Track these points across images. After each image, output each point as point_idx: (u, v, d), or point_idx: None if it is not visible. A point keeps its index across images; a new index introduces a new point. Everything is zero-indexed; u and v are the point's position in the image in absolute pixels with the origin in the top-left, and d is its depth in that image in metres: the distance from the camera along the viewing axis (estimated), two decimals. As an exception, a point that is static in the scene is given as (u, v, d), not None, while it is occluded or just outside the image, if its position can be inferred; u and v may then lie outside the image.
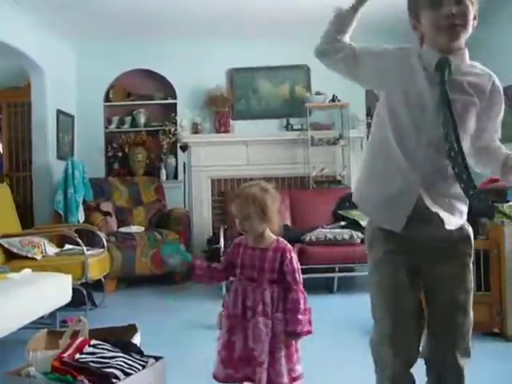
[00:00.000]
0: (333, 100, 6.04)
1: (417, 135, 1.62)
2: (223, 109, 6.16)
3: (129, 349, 2.12)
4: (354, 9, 1.74)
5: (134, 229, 5.50)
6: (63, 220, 5.31)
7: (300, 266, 2.10)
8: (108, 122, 6.46)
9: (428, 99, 1.62)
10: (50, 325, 3.52)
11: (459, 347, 1.66)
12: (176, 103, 6.37)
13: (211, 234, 5.90)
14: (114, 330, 2.71)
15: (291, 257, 2.05)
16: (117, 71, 6.39)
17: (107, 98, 6.46)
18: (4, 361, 2.95)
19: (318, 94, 6.11)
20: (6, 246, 4.07)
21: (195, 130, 6.23)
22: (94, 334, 2.52)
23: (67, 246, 4.46)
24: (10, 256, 4.10)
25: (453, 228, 1.65)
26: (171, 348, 3.27)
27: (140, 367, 2.05)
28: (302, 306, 2.02)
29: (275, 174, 5.84)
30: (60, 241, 4.74)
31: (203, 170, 6.15)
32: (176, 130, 6.22)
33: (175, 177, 6.33)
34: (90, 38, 6.16)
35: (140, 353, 2.14)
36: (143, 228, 5.57)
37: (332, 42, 1.75)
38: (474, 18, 1.65)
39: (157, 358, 2.17)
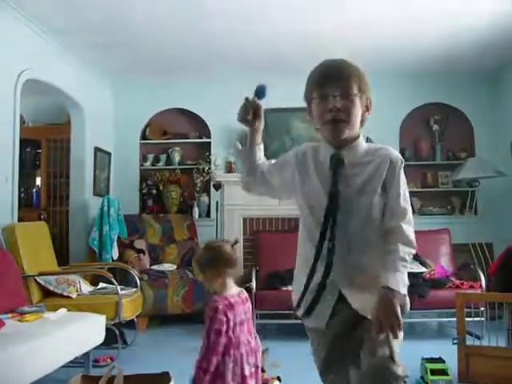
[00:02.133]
0: (366, 141, 6.03)
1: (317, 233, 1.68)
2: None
3: (164, 401, 2.11)
4: (252, 144, 1.87)
5: (167, 267, 5.54)
6: (97, 257, 5.38)
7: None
8: (143, 159, 6.59)
9: (321, 198, 1.68)
10: (83, 363, 3.56)
11: None
12: (210, 142, 6.47)
13: (242, 273, 5.88)
14: (149, 377, 2.71)
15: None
16: (153, 110, 6.54)
17: (143, 136, 6.60)
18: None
19: (350, 134, 6.12)
20: (43, 283, 4.14)
21: (229, 168, 6.29)
22: (129, 381, 2.54)
23: (101, 285, 4.51)
24: (46, 293, 4.17)
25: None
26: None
27: (175, 421, 2.04)
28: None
29: (307, 214, 5.83)
30: (94, 278, 4.80)
31: (236, 209, 6.17)
32: (210, 168, 6.30)
33: (208, 215, 6.38)
34: (128, 77, 6.35)
35: (174, 405, 2.13)
36: (175, 266, 5.60)
37: (248, 180, 1.91)
38: (367, 110, 1.70)
39: (191, 412, 2.15)
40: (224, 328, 2.09)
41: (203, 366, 2.07)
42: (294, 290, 1.84)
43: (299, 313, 1.79)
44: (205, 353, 2.09)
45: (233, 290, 2.23)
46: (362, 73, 1.69)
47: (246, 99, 1.81)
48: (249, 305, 2.27)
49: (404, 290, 1.59)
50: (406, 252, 1.63)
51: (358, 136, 1.71)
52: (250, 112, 1.80)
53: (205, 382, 2.06)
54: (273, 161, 1.90)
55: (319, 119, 1.68)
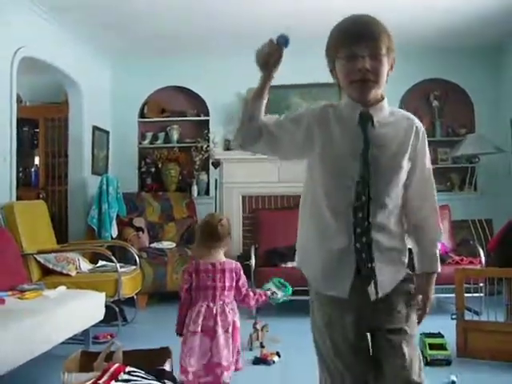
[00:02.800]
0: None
1: (343, 199, 1.61)
2: (255, 126, 6.17)
3: (163, 376, 2.13)
4: (260, 94, 1.70)
5: (166, 244, 5.55)
6: (96, 235, 5.38)
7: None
8: (142, 137, 6.56)
9: (349, 160, 1.60)
10: (83, 341, 3.58)
11: None
12: (209, 120, 6.43)
13: (241, 251, 5.90)
14: (148, 352, 2.73)
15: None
16: (151, 88, 6.49)
17: (142, 114, 6.56)
18: (39, 378, 3.02)
19: (351, 112, 6.08)
20: (42, 261, 4.15)
21: (227, 146, 6.26)
22: (128, 356, 2.55)
23: (100, 263, 4.52)
24: (45, 271, 4.18)
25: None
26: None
27: (174, 395, 2.06)
28: None
29: (306, 191, 5.82)
30: (94, 256, 4.80)
31: (235, 187, 6.16)
32: (208, 146, 6.27)
33: (207, 193, 6.37)
34: (126, 55, 6.29)
35: (173, 380, 2.15)
36: (174, 244, 5.61)
37: (247, 130, 1.68)
38: (391, 69, 1.64)
39: (190, 386, 2.17)
40: (186, 286, 2.53)
41: (178, 317, 2.55)
42: (308, 263, 1.72)
43: (317, 284, 1.70)
44: (179, 307, 2.58)
45: (213, 259, 2.56)
46: (390, 31, 1.62)
47: (271, 41, 1.66)
48: (226, 275, 2.54)
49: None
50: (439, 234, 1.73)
51: (383, 97, 1.65)
52: (275, 56, 1.65)
53: (180, 329, 2.54)
54: (281, 116, 1.74)
55: (345, 78, 1.60)
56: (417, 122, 1.67)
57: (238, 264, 2.64)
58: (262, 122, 1.68)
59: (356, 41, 1.56)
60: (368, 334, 1.66)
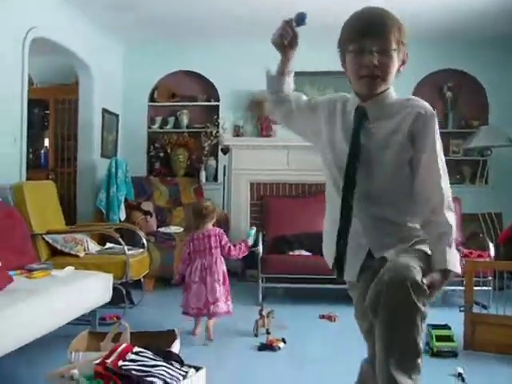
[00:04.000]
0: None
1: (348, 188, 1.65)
2: (266, 113, 6.15)
3: (170, 357, 2.13)
4: (281, 72, 1.81)
5: (173, 229, 5.55)
6: (105, 217, 5.39)
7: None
8: (151, 121, 6.54)
9: (346, 151, 1.64)
10: (90, 322, 3.59)
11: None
12: (219, 105, 6.40)
13: (249, 237, 5.89)
14: (154, 334, 2.73)
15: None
16: (162, 72, 6.47)
17: (151, 98, 6.53)
18: (46, 357, 3.02)
19: (362, 100, 6.04)
20: (51, 242, 4.15)
21: (237, 132, 6.24)
22: (135, 338, 2.55)
23: (108, 245, 4.53)
24: (53, 252, 4.19)
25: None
26: (206, 354, 3.30)
27: (181, 377, 2.05)
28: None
29: (315, 180, 5.76)
30: (102, 238, 4.81)
31: (243, 174, 6.15)
32: (218, 132, 6.25)
33: (215, 179, 6.36)
34: (138, 39, 6.25)
35: (181, 362, 2.14)
36: (182, 229, 5.61)
37: (271, 100, 1.89)
38: (403, 63, 1.62)
39: (197, 369, 2.17)
40: (188, 251, 3.70)
41: (179, 271, 3.76)
42: (326, 249, 1.81)
43: (335, 273, 1.78)
44: (180, 264, 3.79)
45: (203, 230, 3.69)
46: (402, 24, 1.60)
47: (286, 22, 1.71)
48: (212, 238, 3.65)
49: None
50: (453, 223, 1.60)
51: (387, 89, 1.64)
52: (288, 37, 1.72)
53: (179, 279, 3.74)
54: (306, 98, 1.85)
55: (354, 73, 1.61)
56: (422, 108, 1.62)
57: (221, 230, 3.76)
58: (287, 96, 1.83)
59: (365, 35, 1.56)
60: None
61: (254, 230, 3.92)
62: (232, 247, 3.68)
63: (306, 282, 4.77)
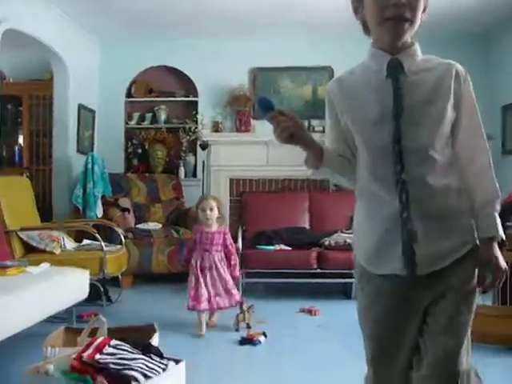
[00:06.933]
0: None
1: (382, 163, 1.44)
2: (245, 108, 6.11)
3: (149, 350, 2.08)
4: (315, 167, 1.50)
5: (152, 226, 5.48)
6: (81, 214, 5.29)
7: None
8: (129, 117, 6.45)
9: (380, 118, 1.42)
10: (66, 319, 3.52)
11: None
12: (197, 101, 6.33)
13: (228, 233, 5.85)
14: (133, 329, 2.69)
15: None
16: (139, 67, 6.37)
17: (129, 94, 6.44)
18: (21, 354, 2.95)
19: (340, 96, 6.04)
20: (25, 239, 4.06)
21: (216, 128, 6.18)
22: (113, 332, 2.50)
23: (85, 241, 4.44)
24: (29, 249, 4.09)
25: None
26: (186, 347, 3.25)
27: (160, 370, 2.01)
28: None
29: (295, 175, 5.77)
30: (78, 235, 4.72)
31: (222, 170, 6.09)
32: (196, 128, 6.19)
33: (194, 175, 6.30)
34: (114, 34, 6.15)
35: (160, 355, 2.10)
36: (160, 225, 5.54)
37: (342, 180, 1.60)
38: (424, 10, 1.43)
39: (177, 361, 2.12)
40: (195, 240, 3.83)
41: (185, 257, 3.91)
42: (361, 241, 1.55)
43: (368, 265, 1.52)
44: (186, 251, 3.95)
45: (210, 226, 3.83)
46: None
47: (268, 119, 1.40)
48: (219, 236, 3.81)
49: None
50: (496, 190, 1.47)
51: (413, 43, 1.47)
52: (280, 128, 1.37)
53: (186, 263, 3.88)
54: (327, 140, 1.59)
55: (377, 16, 1.39)
56: (458, 66, 1.47)
57: (226, 229, 3.91)
58: (337, 159, 1.54)
59: None
60: None
61: None
62: (233, 256, 3.91)
63: (285, 276, 4.75)
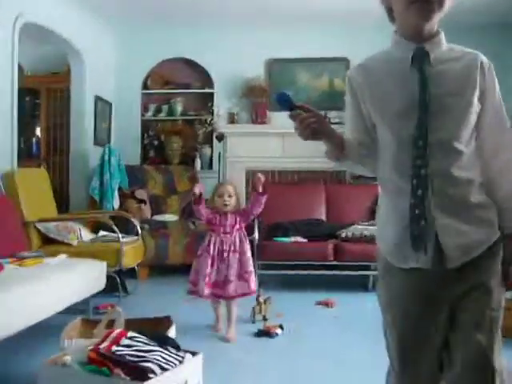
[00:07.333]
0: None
1: (406, 154, 1.40)
2: (261, 99, 6.08)
3: (166, 342, 2.07)
4: (337, 158, 1.51)
5: (168, 217, 5.49)
6: (98, 206, 5.32)
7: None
8: (145, 109, 6.45)
9: (406, 108, 1.39)
10: (83, 311, 3.53)
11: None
12: (213, 93, 6.32)
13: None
14: (150, 321, 2.69)
15: None
16: (155, 59, 6.37)
17: (145, 86, 6.45)
18: (38, 346, 2.97)
19: (357, 87, 5.98)
20: (43, 230, 4.09)
21: (231, 119, 6.16)
22: (130, 324, 2.50)
23: (102, 233, 4.46)
24: (46, 240, 4.12)
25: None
26: (203, 340, 3.25)
27: (177, 362, 2.00)
28: None
29: (311, 167, 5.75)
30: (95, 227, 4.74)
31: (238, 161, 6.07)
32: (212, 119, 6.18)
33: (210, 167, 6.29)
34: (130, 25, 6.16)
35: (177, 347, 2.09)
36: (177, 217, 5.55)
37: (364, 164, 1.56)
38: None
39: (193, 354, 2.12)
40: (209, 215, 3.55)
41: (198, 214, 3.59)
42: (384, 233, 1.51)
43: (392, 258, 1.48)
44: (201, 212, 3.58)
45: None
46: None
47: (291, 117, 1.40)
48: (234, 218, 3.54)
49: None
50: None
51: (439, 31, 1.44)
52: (303, 126, 1.37)
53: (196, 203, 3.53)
54: (347, 129, 1.56)
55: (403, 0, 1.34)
56: (482, 57, 1.43)
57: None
58: (357, 149, 1.51)
59: None
60: None
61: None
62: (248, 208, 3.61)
63: (302, 268, 4.73)
